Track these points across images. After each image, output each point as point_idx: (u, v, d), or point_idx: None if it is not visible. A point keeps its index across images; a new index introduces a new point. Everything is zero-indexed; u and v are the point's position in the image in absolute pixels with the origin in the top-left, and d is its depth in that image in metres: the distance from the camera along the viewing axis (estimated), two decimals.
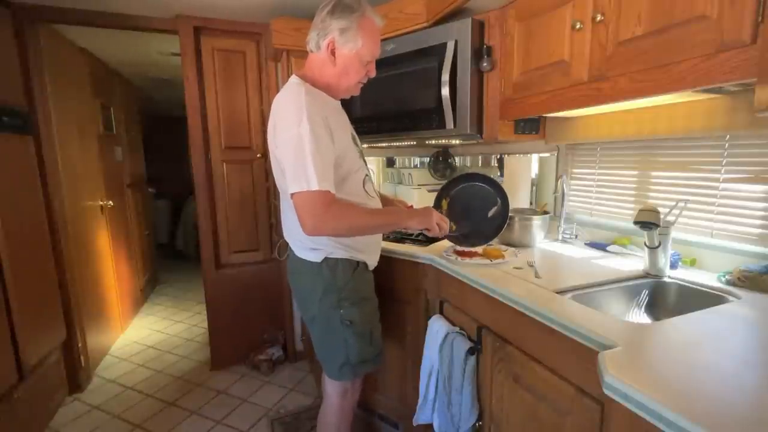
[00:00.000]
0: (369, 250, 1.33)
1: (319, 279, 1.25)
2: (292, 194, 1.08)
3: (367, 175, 1.31)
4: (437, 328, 1.36)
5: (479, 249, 1.46)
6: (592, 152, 1.64)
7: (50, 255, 2.12)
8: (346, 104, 1.36)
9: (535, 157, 1.87)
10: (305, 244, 1.25)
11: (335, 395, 1.39)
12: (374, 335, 1.35)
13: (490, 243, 1.54)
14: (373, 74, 1.25)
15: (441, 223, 1.26)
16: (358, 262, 1.29)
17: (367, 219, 1.17)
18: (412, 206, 1.47)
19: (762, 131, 1.07)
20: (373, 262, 1.37)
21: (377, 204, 1.35)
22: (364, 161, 1.34)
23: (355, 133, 1.32)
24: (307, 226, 1.07)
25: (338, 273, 1.25)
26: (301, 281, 1.31)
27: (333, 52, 1.17)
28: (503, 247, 1.49)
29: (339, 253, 1.25)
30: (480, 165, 2.24)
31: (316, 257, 1.25)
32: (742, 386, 0.63)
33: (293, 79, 1.19)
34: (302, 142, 1.05)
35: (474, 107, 1.56)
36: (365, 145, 2.19)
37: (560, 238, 1.63)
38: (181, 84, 2.28)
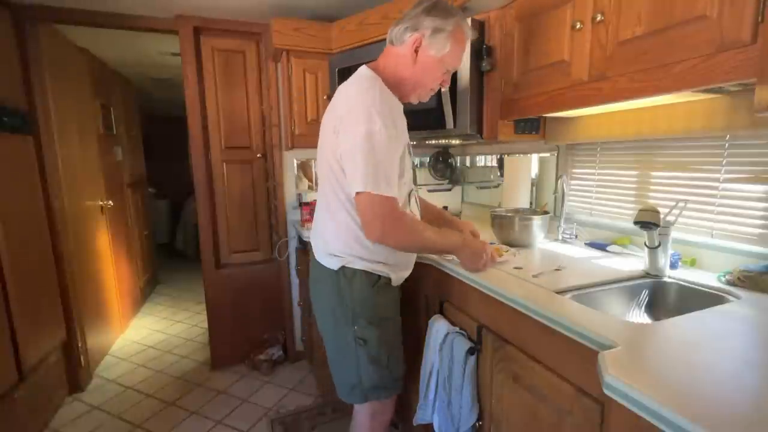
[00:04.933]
0: (397, 264, 1.21)
1: (334, 289, 1.17)
2: (357, 193, 1.03)
3: (412, 189, 1.23)
4: (437, 328, 1.36)
5: None
6: (592, 152, 1.64)
7: (50, 255, 2.12)
8: None
9: (535, 157, 1.87)
10: (326, 249, 1.18)
11: (364, 415, 1.30)
12: (391, 360, 1.22)
13: (493, 242, 1.53)
14: (447, 85, 1.20)
15: (492, 256, 1.24)
16: (379, 276, 1.17)
17: (434, 240, 1.14)
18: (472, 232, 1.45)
19: (762, 131, 1.07)
20: (399, 278, 1.25)
21: None
22: (414, 175, 1.26)
23: (409, 143, 1.23)
24: (374, 230, 1.05)
25: (355, 286, 1.15)
26: (318, 288, 1.24)
27: (417, 50, 1.10)
28: (504, 247, 1.49)
29: (358, 264, 1.14)
30: (480, 165, 2.24)
31: (332, 264, 1.16)
32: (742, 386, 0.63)
33: (366, 71, 1.12)
34: (373, 140, 1.00)
35: (474, 107, 1.56)
36: None
37: (560, 238, 1.63)
38: (181, 84, 2.28)
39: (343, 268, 1.15)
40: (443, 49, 1.10)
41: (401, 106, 1.18)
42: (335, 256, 1.16)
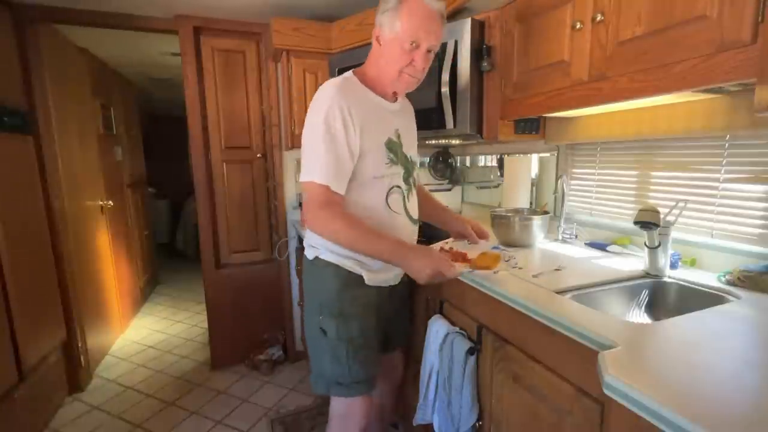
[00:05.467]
0: (368, 263, 1.17)
1: (309, 278, 1.24)
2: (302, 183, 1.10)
3: (396, 186, 1.20)
4: (437, 328, 1.36)
5: (468, 255, 1.23)
6: (592, 152, 1.64)
7: (50, 255, 2.12)
8: None
9: (535, 157, 1.87)
10: (308, 240, 1.24)
11: (335, 417, 1.29)
12: (351, 358, 1.17)
13: (498, 246, 1.43)
14: (419, 65, 1.10)
15: (446, 265, 1.06)
16: (349, 272, 1.17)
17: (357, 238, 1.06)
18: (473, 233, 1.36)
19: (762, 131, 1.07)
20: (376, 279, 1.21)
21: (402, 222, 1.23)
22: (407, 173, 1.24)
23: (401, 140, 1.21)
24: (305, 217, 1.10)
25: (324, 276, 1.17)
26: (303, 278, 1.30)
27: (378, 39, 1.11)
28: (506, 253, 1.31)
29: (329, 257, 1.17)
30: (480, 165, 2.24)
31: (309, 254, 1.22)
32: (742, 386, 0.63)
33: (347, 72, 1.17)
34: (316, 133, 1.05)
35: (474, 107, 1.56)
36: None
37: (560, 238, 1.63)
38: (181, 84, 2.29)
39: (316, 258, 1.19)
40: (394, 26, 1.06)
41: (382, 101, 1.18)
42: (312, 246, 1.22)
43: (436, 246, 1.27)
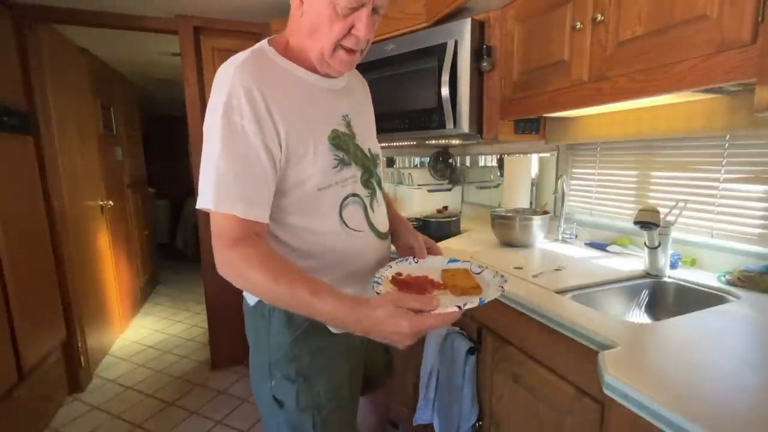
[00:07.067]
0: None
1: (251, 330, 0.92)
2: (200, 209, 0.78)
3: (352, 195, 0.87)
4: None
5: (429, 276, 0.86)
6: (592, 152, 1.64)
7: (50, 255, 2.12)
8: None
9: (535, 157, 1.87)
10: None
11: None
12: (319, 430, 0.86)
13: (455, 259, 0.96)
14: (363, 33, 0.76)
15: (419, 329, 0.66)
16: (305, 319, 0.83)
17: (285, 295, 0.70)
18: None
19: (762, 131, 1.07)
20: None
21: (366, 242, 0.90)
22: (367, 173, 0.91)
23: (352, 129, 0.89)
24: (215, 259, 0.78)
25: (272, 328, 0.85)
26: (246, 329, 0.95)
27: None
28: (471, 265, 0.91)
29: None
30: (480, 165, 2.24)
31: (250, 299, 0.89)
32: (741, 386, 0.63)
33: (261, 42, 0.84)
34: (213, 135, 0.73)
35: (474, 107, 1.56)
36: None
37: (560, 238, 1.63)
38: (181, 84, 2.28)
39: (260, 302, 0.87)
40: None
41: (315, 81, 0.85)
42: None
43: (381, 274, 0.85)
